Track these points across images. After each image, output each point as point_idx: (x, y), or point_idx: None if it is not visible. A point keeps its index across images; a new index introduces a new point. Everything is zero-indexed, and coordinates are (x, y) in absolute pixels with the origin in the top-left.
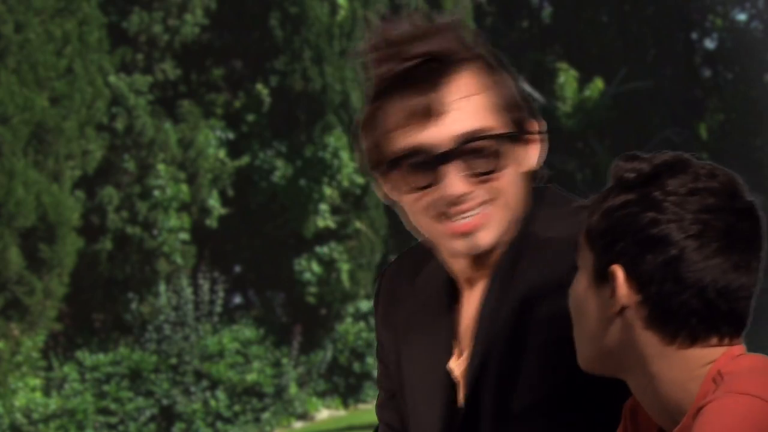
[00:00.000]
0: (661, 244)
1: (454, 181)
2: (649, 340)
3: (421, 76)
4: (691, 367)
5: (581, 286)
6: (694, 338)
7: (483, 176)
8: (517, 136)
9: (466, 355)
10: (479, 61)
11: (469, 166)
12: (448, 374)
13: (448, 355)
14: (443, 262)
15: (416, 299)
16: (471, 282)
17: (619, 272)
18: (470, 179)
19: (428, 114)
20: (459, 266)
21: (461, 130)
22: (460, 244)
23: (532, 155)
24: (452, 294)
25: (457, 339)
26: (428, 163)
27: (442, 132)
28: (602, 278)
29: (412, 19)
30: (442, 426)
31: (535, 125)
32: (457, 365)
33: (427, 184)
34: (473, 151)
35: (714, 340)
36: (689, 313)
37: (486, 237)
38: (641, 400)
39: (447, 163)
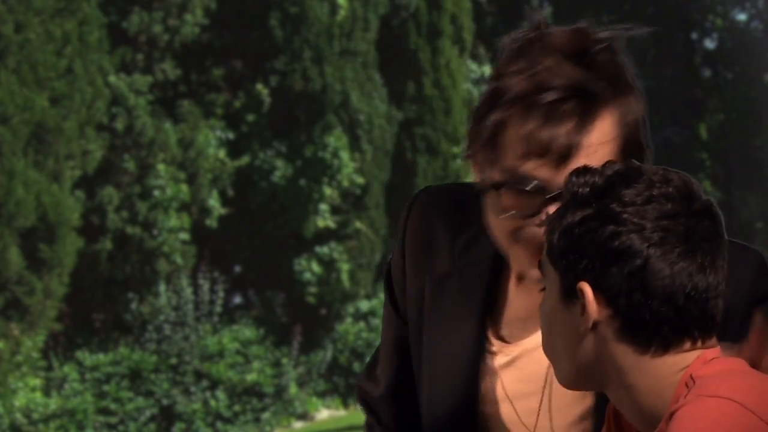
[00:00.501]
0: (624, 256)
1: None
2: (623, 352)
3: (564, 111)
4: (666, 374)
5: (549, 304)
6: (667, 345)
7: None
8: None
9: (525, 344)
10: (622, 100)
11: None
12: (477, 349)
13: (481, 334)
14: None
15: (456, 262)
16: (526, 273)
17: (586, 289)
18: None
19: (560, 154)
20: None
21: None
22: (535, 272)
23: None
24: (497, 271)
25: (494, 320)
26: (534, 199)
27: (562, 174)
28: (570, 296)
29: (569, 32)
30: (464, 409)
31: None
32: (501, 349)
33: (523, 215)
34: None
35: (687, 345)
36: (660, 321)
37: None
38: (621, 409)
39: (554, 204)
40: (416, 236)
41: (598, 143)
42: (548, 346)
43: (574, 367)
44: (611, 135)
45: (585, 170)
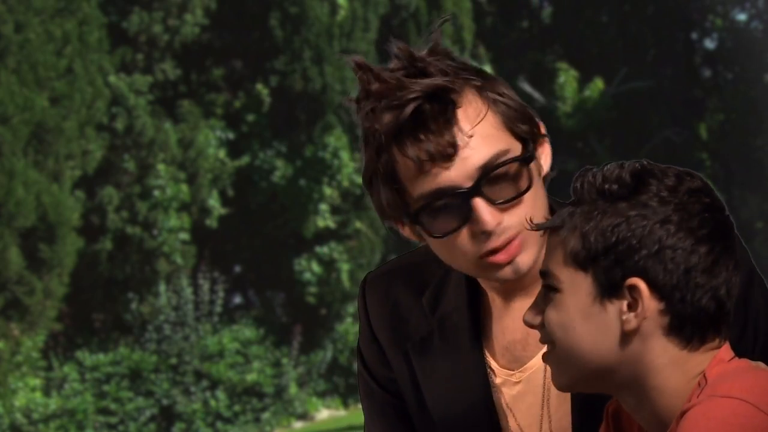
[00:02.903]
0: (677, 252)
1: (485, 215)
2: (663, 349)
3: (424, 118)
4: (694, 374)
5: (573, 308)
6: (703, 340)
7: (510, 202)
8: (532, 151)
9: (532, 366)
10: (470, 84)
11: (494, 195)
12: (487, 393)
13: (484, 373)
14: (472, 276)
15: (430, 321)
16: (507, 294)
17: (641, 285)
18: (498, 208)
19: (442, 155)
20: (495, 283)
21: (479, 162)
22: (505, 272)
23: (545, 160)
24: (477, 309)
25: (492, 353)
26: (455, 204)
27: (460, 169)
28: (609, 295)
29: (393, 62)
30: None
31: (541, 127)
32: (507, 378)
33: (459, 224)
34: (495, 179)
35: (716, 342)
36: (705, 316)
37: (526, 260)
38: (635, 413)
39: (473, 199)
40: (381, 316)
41: (469, 128)
42: (563, 350)
43: (595, 368)
44: (477, 118)
45: (593, 169)
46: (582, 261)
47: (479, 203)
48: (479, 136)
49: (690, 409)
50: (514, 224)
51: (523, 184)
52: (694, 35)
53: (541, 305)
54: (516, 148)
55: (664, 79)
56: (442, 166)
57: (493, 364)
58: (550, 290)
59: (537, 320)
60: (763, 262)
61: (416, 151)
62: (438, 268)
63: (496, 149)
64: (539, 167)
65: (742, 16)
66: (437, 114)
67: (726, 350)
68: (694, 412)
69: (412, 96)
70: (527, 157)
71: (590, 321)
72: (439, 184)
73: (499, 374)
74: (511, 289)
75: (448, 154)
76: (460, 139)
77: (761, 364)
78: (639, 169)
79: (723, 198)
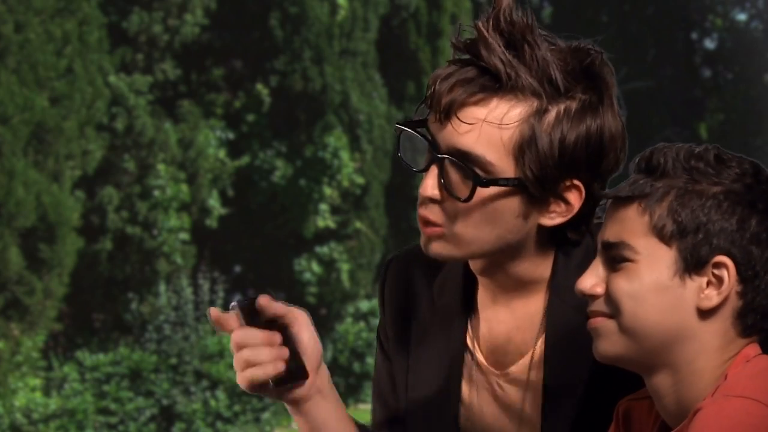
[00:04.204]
0: (763, 239)
1: (428, 180)
2: (725, 331)
3: (466, 78)
4: (725, 367)
5: (650, 280)
6: (755, 331)
7: (449, 194)
8: (524, 189)
9: (517, 369)
10: (537, 102)
11: (445, 177)
12: (457, 375)
13: (459, 363)
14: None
15: (433, 301)
16: (495, 295)
17: (730, 263)
18: (443, 190)
19: (441, 110)
20: (476, 273)
21: (458, 145)
22: (422, 240)
23: (548, 218)
24: (469, 298)
25: (480, 347)
26: (425, 151)
27: (447, 136)
28: (692, 271)
29: (519, 19)
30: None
31: (571, 196)
32: (489, 376)
33: (422, 168)
34: (455, 170)
35: (755, 337)
36: (766, 308)
37: (436, 248)
38: (661, 398)
39: (433, 162)
40: (394, 296)
41: (483, 117)
42: (628, 322)
43: (654, 342)
44: (500, 121)
45: (668, 145)
46: (668, 235)
47: (433, 170)
48: (479, 131)
49: (703, 407)
50: (443, 213)
51: (463, 194)
52: (694, 35)
53: (602, 275)
54: (505, 172)
55: (664, 79)
56: (435, 117)
57: (480, 358)
58: (619, 261)
59: (599, 289)
60: None
61: (436, 85)
62: None
63: (480, 151)
64: (532, 213)
65: (742, 16)
66: (472, 84)
67: (753, 347)
68: (706, 410)
69: (478, 62)
70: (483, 181)
71: (665, 294)
72: (431, 129)
73: (486, 371)
74: (497, 288)
75: (443, 112)
76: (468, 119)
77: None
78: (718, 152)
79: None
